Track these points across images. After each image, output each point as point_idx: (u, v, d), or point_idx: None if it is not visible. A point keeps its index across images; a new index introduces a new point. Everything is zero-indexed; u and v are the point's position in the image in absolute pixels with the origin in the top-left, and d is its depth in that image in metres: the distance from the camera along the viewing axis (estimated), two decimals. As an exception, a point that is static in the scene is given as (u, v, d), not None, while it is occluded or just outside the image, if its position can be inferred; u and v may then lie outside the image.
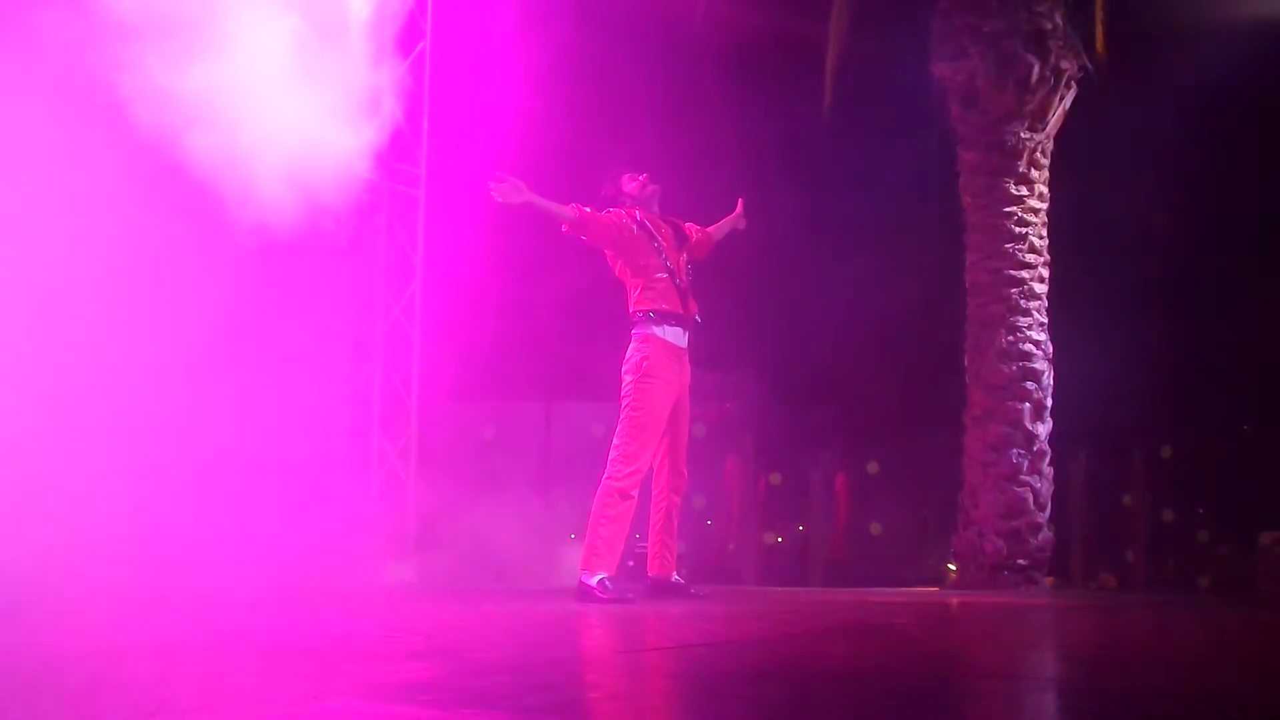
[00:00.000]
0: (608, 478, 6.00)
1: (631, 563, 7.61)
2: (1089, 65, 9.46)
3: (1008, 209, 9.33)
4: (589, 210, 6.22)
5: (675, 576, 6.40)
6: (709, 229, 6.77)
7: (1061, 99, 9.39)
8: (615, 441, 6.08)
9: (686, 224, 6.62)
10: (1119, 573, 12.85)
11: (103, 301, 6.33)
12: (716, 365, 10.13)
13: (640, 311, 6.21)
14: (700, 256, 6.72)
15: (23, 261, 6.07)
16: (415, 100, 9.02)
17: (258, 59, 7.04)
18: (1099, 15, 9.62)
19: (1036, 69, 9.23)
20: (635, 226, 6.29)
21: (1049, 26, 9.31)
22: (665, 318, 6.18)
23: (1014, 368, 9.14)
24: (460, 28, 8.90)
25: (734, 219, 6.94)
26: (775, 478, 14.16)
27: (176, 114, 6.51)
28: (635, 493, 6.01)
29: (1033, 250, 9.31)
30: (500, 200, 5.98)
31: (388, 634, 3.92)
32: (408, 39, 9.04)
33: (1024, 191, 9.35)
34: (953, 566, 9.53)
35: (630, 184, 6.48)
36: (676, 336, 6.21)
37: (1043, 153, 9.45)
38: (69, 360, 6.26)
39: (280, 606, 5.26)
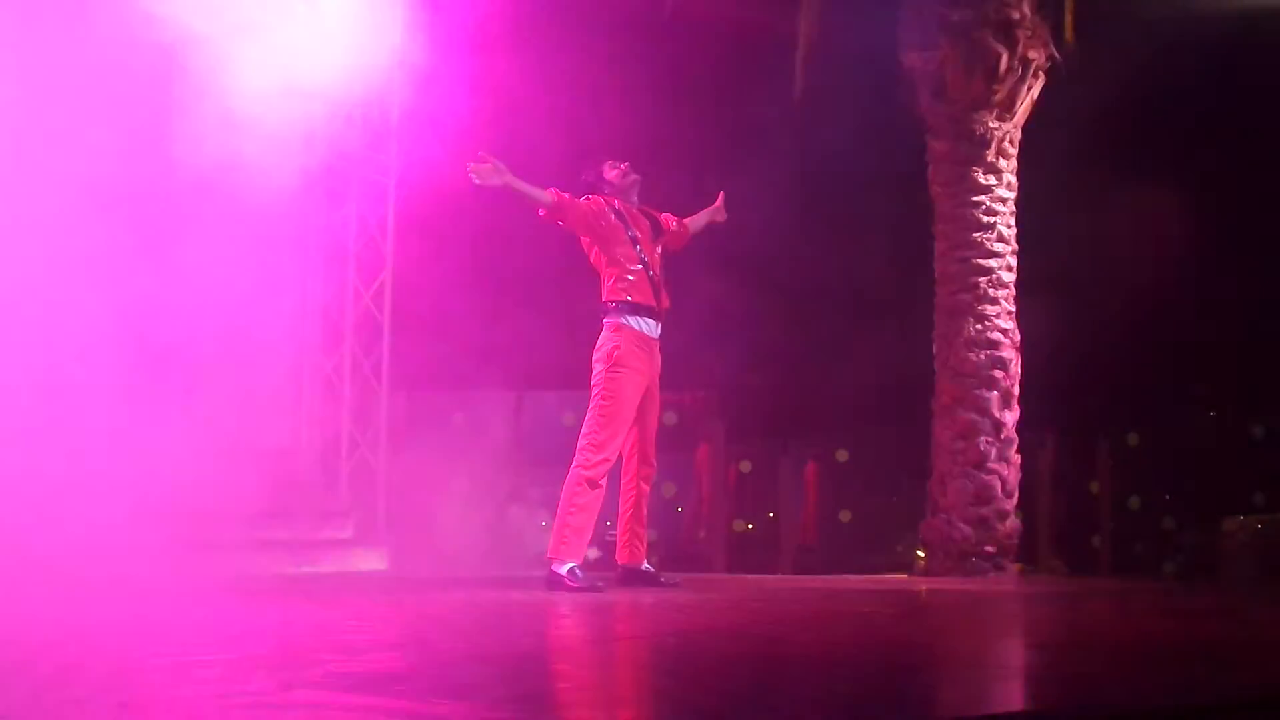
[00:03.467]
0: (576, 466, 6.01)
1: (598, 553, 7.62)
2: (1057, 55, 9.50)
3: (976, 198, 9.37)
4: (567, 195, 6.22)
5: (645, 565, 6.41)
6: (685, 221, 6.77)
7: (1030, 88, 9.43)
8: (584, 430, 6.09)
9: (663, 215, 6.62)
10: (1086, 559, 12.96)
11: (64, 303, 6.31)
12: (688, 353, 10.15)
13: (613, 301, 6.21)
14: (676, 248, 6.72)
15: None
16: (386, 88, 8.98)
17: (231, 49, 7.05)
18: (1068, 4, 9.65)
19: (1004, 58, 9.26)
20: (612, 214, 6.29)
21: (1017, 16, 9.33)
22: (637, 309, 6.19)
23: (982, 356, 9.18)
24: (432, 16, 8.85)
25: (713, 211, 6.95)
26: (745, 465, 14.21)
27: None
28: (604, 481, 6.02)
29: (1001, 239, 9.36)
30: (479, 182, 5.96)
31: (359, 624, 3.92)
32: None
33: (992, 180, 9.39)
34: (921, 553, 9.58)
35: (611, 172, 6.47)
36: (648, 327, 6.22)
37: (1011, 142, 9.49)
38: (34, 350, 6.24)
39: (250, 595, 5.25)
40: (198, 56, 6.81)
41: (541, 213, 6.21)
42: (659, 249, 6.45)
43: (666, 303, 6.35)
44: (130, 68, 6.47)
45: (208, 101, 6.82)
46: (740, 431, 13.62)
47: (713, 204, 6.96)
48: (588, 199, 6.30)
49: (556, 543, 5.93)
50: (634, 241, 6.27)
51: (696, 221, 6.86)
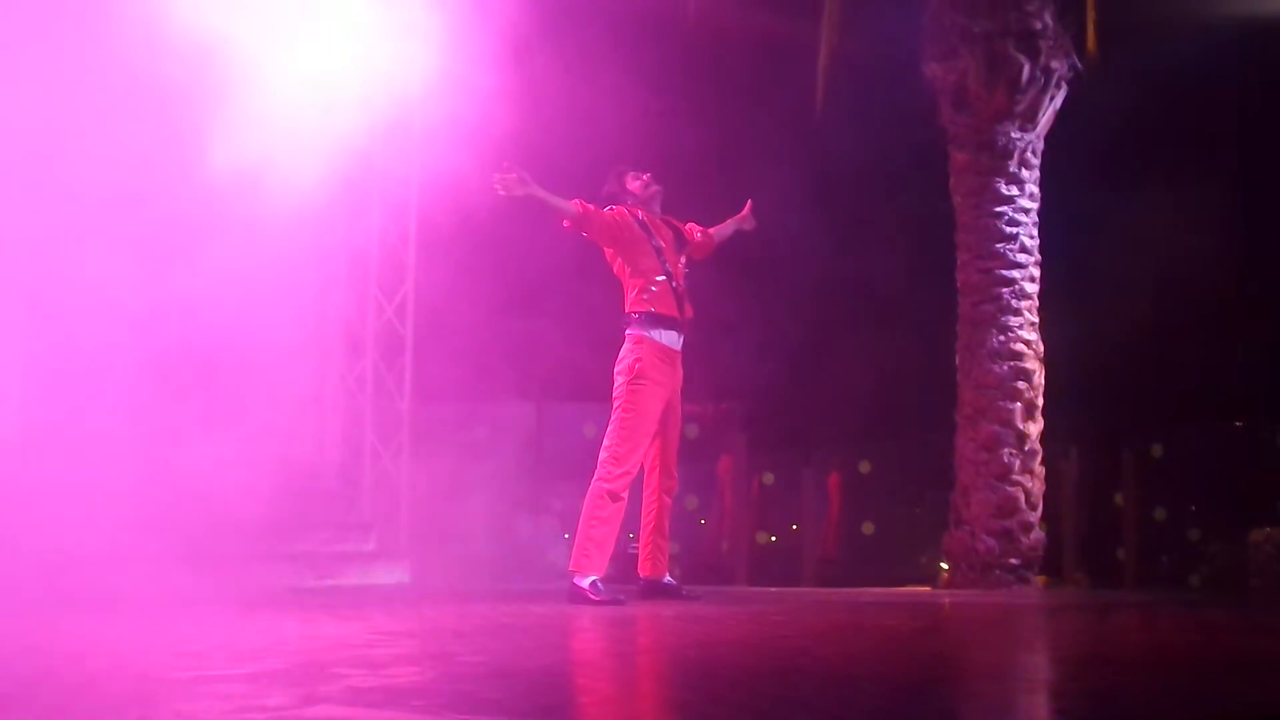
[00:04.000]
0: (598, 479, 5.99)
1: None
2: (1079, 65, 9.45)
3: (998, 209, 9.32)
4: (591, 206, 6.22)
5: (668, 578, 6.40)
6: (710, 230, 6.75)
7: (1052, 99, 9.38)
8: (605, 443, 6.08)
9: (687, 225, 6.61)
10: (1111, 571, 12.86)
11: (84, 311, 6.33)
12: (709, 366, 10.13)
13: (636, 313, 6.21)
14: (701, 258, 6.72)
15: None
16: (408, 99, 8.98)
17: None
18: (1090, 14, 9.61)
19: (1027, 69, 9.21)
20: (636, 225, 6.29)
21: (1039, 26, 9.29)
22: (660, 320, 6.18)
23: (1005, 367, 9.13)
24: (456, 26, 8.86)
25: (740, 220, 6.92)
26: (768, 477, 14.17)
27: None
28: (625, 494, 6.01)
29: (1024, 250, 9.30)
30: (504, 192, 5.96)
31: (378, 637, 3.91)
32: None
33: (1015, 191, 9.34)
34: (945, 566, 9.52)
35: (634, 183, 6.47)
36: (670, 339, 6.21)
37: (1033, 152, 9.44)
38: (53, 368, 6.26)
39: (271, 608, 5.25)
40: (221, 66, 6.83)
41: (566, 224, 6.21)
42: (683, 259, 6.44)
43: (690, 313, 6.33)
44: (154, 75, 6.50)
45: (229, 111, 6.85)
46: (762, 443, 13.58)
47: (739, 213, 6.94)
48: (611, 209, 6.30)
49: (578, 556, 5.92)
50: (658, 252, 6.27)
51: (723, 230, 6.84)
